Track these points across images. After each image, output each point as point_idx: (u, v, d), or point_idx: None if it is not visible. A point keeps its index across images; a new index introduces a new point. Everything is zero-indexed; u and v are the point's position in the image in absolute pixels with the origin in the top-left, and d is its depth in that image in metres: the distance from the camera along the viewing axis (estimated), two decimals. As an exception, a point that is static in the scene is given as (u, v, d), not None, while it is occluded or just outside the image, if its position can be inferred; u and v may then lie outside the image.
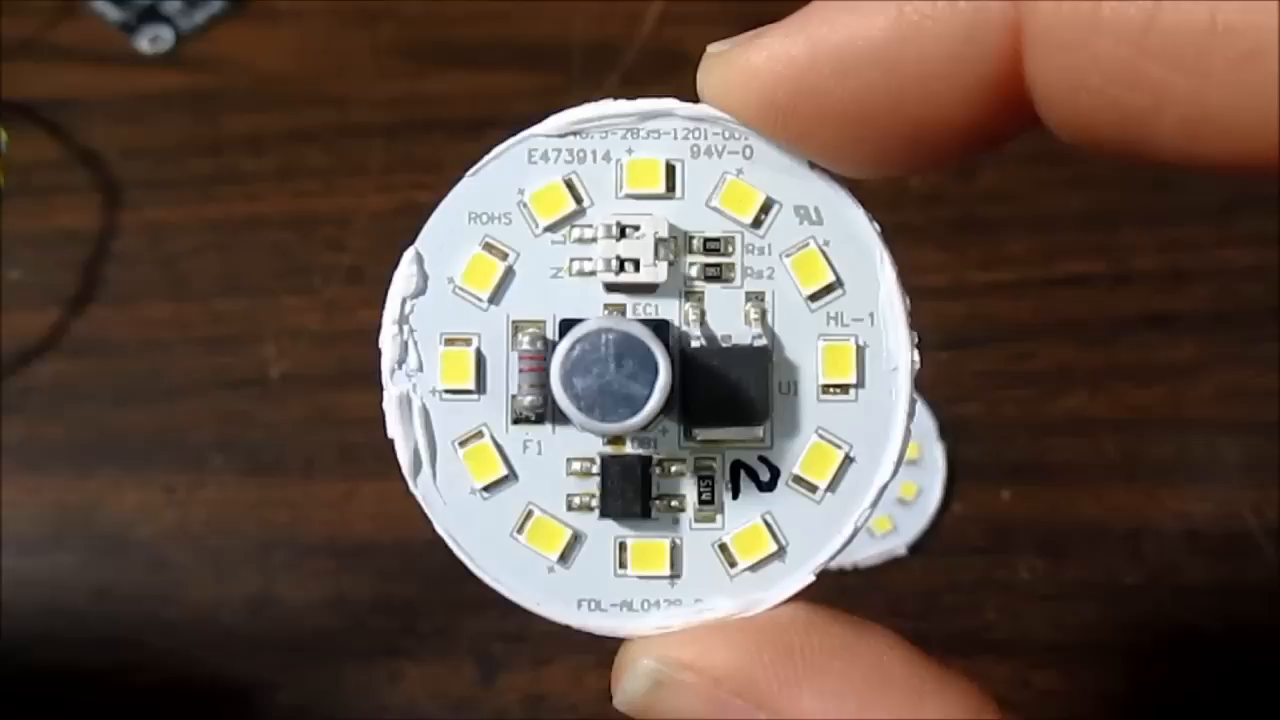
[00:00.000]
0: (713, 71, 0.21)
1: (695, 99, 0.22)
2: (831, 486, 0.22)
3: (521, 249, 0.22)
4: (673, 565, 0.22)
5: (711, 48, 0.21)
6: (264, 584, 0.48)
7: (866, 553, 0.47)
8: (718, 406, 0.22)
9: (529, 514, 0.22)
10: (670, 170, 0.22)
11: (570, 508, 0.22)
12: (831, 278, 0.22)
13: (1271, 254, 0.51)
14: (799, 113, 0.20)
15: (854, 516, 0.22)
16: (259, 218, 0.57)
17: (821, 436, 0.22)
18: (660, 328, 0.22)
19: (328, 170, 0.58)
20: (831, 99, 0.20)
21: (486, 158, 0.22)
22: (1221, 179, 0.18)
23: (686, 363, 0.22)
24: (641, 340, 0.20)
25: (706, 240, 0.22)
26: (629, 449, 0.22)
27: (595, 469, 0.22)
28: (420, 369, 0.22)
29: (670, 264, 0.22)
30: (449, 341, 0.22)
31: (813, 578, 0.22)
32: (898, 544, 0.47)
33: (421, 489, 0.22)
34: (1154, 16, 0.17)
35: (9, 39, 0.61)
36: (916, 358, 0.22)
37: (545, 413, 0.22)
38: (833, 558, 0.22)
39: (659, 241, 0.22)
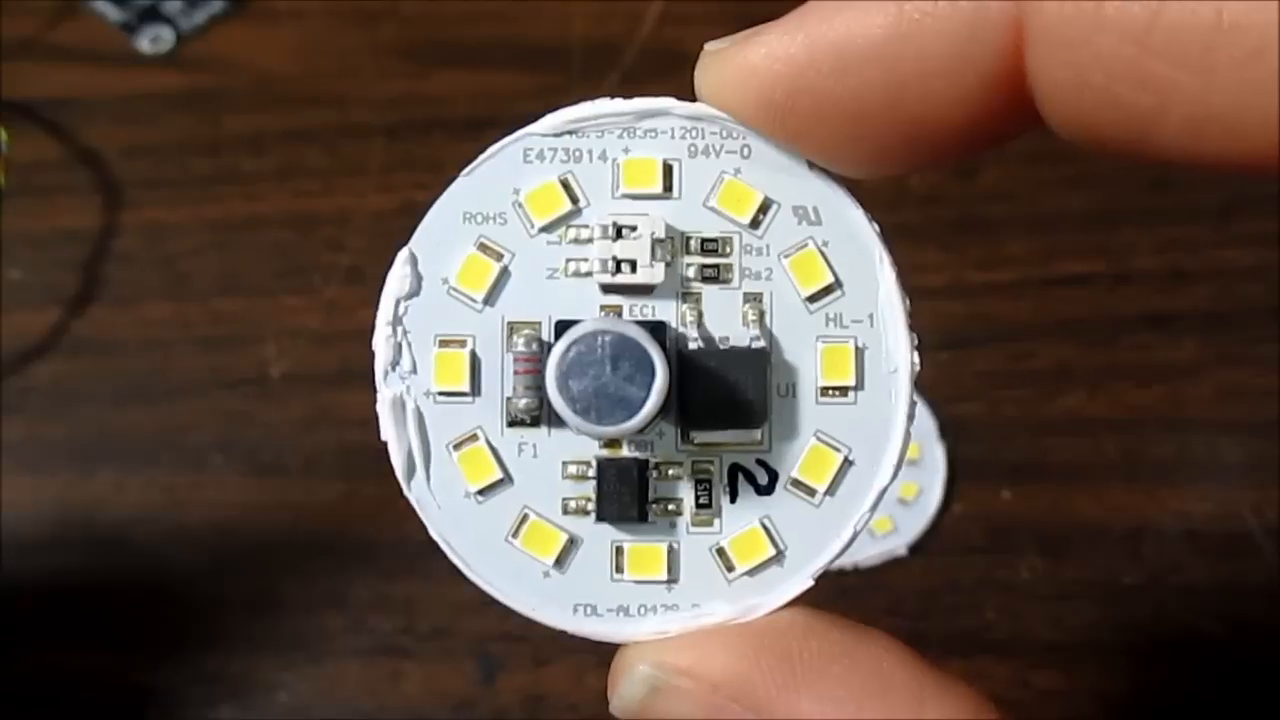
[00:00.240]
0: (710, 70, 0.21)
1: (694, 98, 0.22)
2: (830, 490, 0.22)
3: (517, 249, 0.22)
4: (670, 570, 0.22)
5: (709, 46, 0.21)
6: (264, 584, 0.48)
7: (867, 553, 0.47)
8: (715, 409, 0.21)
9: (524, 518, 0.22)
10: (667, 170, 0.22)
11: (566, 511, 0.22)
12: (830, 279, 0.22)
13: (1271, 254, 0.51)
14: (797, 111, 0.20)
15: (853, 520, 0.22)
16: (259, 218, 0.57)
17: (820, 439, 0.22)
18: (657, 329, 0.21)
19: (328, 170, 0.58)
20: (830, 97, 0.20)
21: (481, 157, 0.22)
22: (1221, 179, 0.18)
23: (684, 365, 0.22)
24: (638, 342, 0.20)
25: (704, 241, 0.22)
26: (625, 452, 0.22)
27: (591, 472, 0.22)
28: (414, 371, 0.22)
29: (667, 265, 0.22)
30: (443, 343, 0.22)
31: (811, 582, 0.22)
32: (898, 544, 0.47)
33: (416, 492, 0.22)
34: (1158, 13, 0.17)
35: (9, 39, 0.61)
36: (916, 359, 0.22)
37: (541, 415, 0.22)
38: (832, 562, 0.22)
39: (656, 242, 0.21)
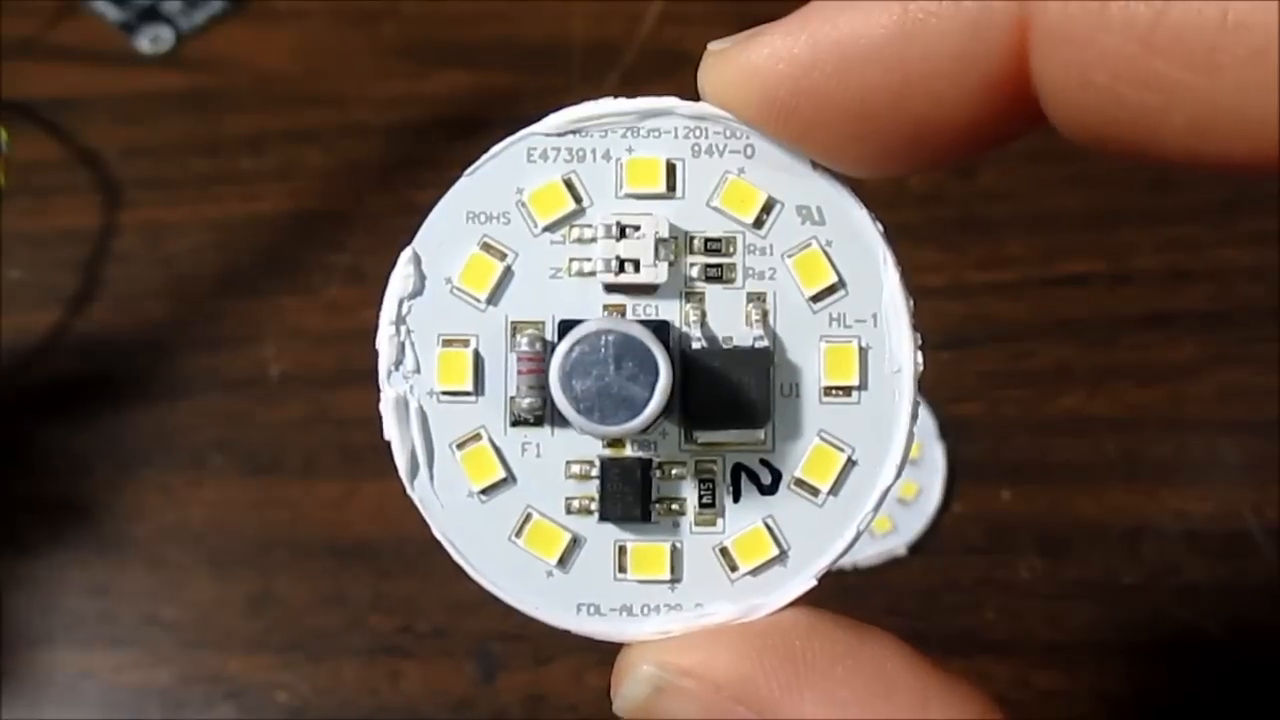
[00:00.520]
0: (713, 69, 0.21)
1: (696, 98, 0.22)
2: (834, 490, 0.22)
3: (520, 249, 0.22)
4: (673, 569, 0.22)
5: (712, 45, 0.21)
6: (264, 584, 0.48)
7: (867, 553, 0.47)
8: (718, 409, 0.21)
9: (528, 517, 0.22)
10: (671, 169, 0.22)
11: (569, 511, 0.22)
12: (834, 278, 0.22)
13: (1271, 254, 0.51)
14: (800, 111, 0.20)
15: (856, 520, 0.22)
16: (259, 218, 0.57)
17: (823, 439, 0.22)
18: (660, 329, 0.21)
19: (328, 170, 0.58)
20: (833, 97, 0.20)
21: (485, 157, 0.22)
22: (1222, 178, 0.18)
23: (687, 364, 0.22)
24: (641, 341, 0.20)
25: (707, 240, 0.22)
26: (629, 451, 0.22)
27: (595, 472, 0.22)
28: (417, 370, 0.22)
29: (670, 264, 0.22)
30: (446, 342, 0.22)
31: (814, 582, 0.22)
32: (898, 544, 0.47)
33: (419, 492, 0.22)
34: (1163, 12, 0.17)
35: (9, 39, 0.61)
36: (920, 359, 0.22)
37: (544, 415, 0.22)
38: (835, 562, 0.22)
39: (659, 242, 0.21)
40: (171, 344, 0.54)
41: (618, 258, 0.21)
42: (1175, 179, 0.53)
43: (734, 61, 0.20)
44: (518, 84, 0.60)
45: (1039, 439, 0.50)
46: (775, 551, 0.22)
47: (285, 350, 0.53)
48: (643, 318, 0.22)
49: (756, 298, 0.22)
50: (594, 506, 0.22)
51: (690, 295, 0.22)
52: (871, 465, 0.22)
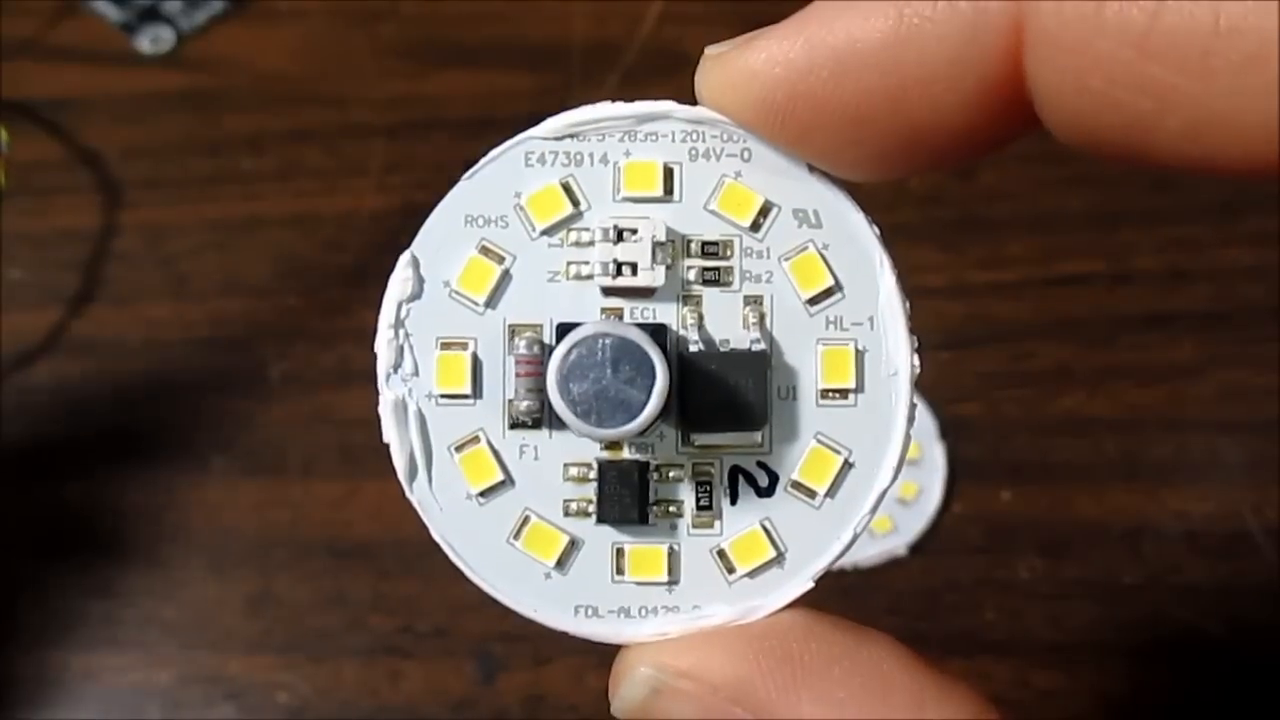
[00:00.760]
0: (710, 74, 0.21)
1: (695, 101, 0.22)
2: (831, 492, 0.22)
3: (518, 252, 0.22)
4: (670, 571, 0.22)
5: (709, 50, 0.21)
6: (264, 584, 0.48)
7: (866, 553, 0.47)
8: (716, 411, 0.21)
9: (526, 520, 0.22)
10: (668, 173, 0.22)
11: (567, 513, 0.22)
12: (831, 281, 0.22)
13: (1271, 254, 0.51)
14: (797, 115, 0.20)
15: (853, 522, 0.22)
16: (259, 218, 0.57)
17: (820, 442, 0.22)
18: (658, 332, 0.21)
19: (328, 170, 0.58)
20: (830, 101, 0.20)
21: (483, 160, 0.22)
22: (1221, 179, 0.18)
23: (684, 367, 0.22)
24: (639, 345, 0.20)
25: (704, 244, 0.22)
26: (626, 454, 0.22)
27: (592, 474, 0.22)
28: (416, 373, 0.22)
29: (668, 268, 0.22)
30: (445, 346, 0.22)
31: (812, 584, 0.22)
32: (898, 544, 0.47)
33: (418, 494, 0.22)
34: (1156, 17, 0.17)
35: (9, 39, 0.61)
36: (917, 362, 0.22)
37: (542, 418, 0.22)
38: (832, 564, 0.22)
39: (656, 245, 0.21)
40: (172, 344, 0.54)
41: (615, 261, 0.21)
42: (1175, 179, 0.53)
43: (731, 65, 0.20)
44: (518, 84, 0.60)
45: (1039, 439, 0.50)
46: (772, 553, 0.22)
47: (285, 350, 0.53)
48: (640, 321, 0.22)
49: (753, 301, 0.22)
50: (592, 509, 0.22)
51: (687, 298, 0.22)
52: (868, 467, 0.22)
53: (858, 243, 0.22)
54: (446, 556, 0.22)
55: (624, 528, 0.22)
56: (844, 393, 0.22)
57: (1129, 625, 0.46)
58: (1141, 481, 0.49)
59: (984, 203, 0.55)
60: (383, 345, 0.22)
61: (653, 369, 0.20)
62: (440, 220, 0.22)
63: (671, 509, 0.22)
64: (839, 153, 0.21)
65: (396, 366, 0.22)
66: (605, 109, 0.22)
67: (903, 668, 0.20)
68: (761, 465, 0.22)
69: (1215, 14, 0.16)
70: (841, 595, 0.46)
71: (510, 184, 0.22)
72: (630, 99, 0.22)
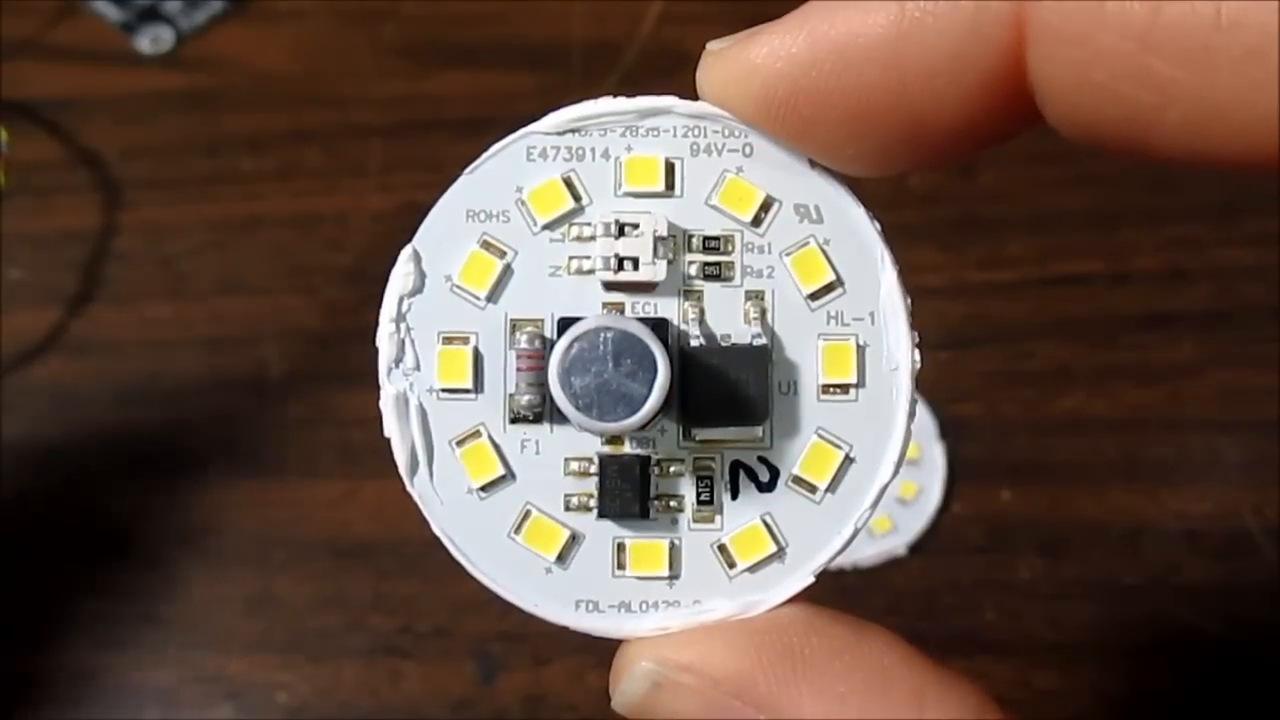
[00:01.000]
0: (712, 69, 0.21)
1: (695, 98, 0.22)
2: (831, 487, 0.22)
3: (520, 247, 0.22)
4: (671, 566, 0.22)
5: (711, 45, 0.21)
6: (264, 584, 0.48)
7: (866, 553, 0.47)
8: (717, 406, 0.21)
9: (527, 514, 0.22)
10: (669, 168, 0.22)
11: (568, 508, 0.22)
12: (832, 276, 0.22)
13: (1271, 254, 0.51)
14: (799, 110, 0.20)
15: (854, 517, 0.22)
16: (259, 218, 0.57)
17: (821, 437, 0.22)
18: (659, 326, 0.21)
19: (328, 170, 0.58)
20: (831, 96, 0.20)
21: (484, 155, 0.22)
22: (1222, 178, 0.18)
23: (685, 362, 0.22)
24: (640, 339, 0.20)
25: (706, 238, 0.22)
26: (627, 449, 0.22)
27: (593, 469, 0.22)
28: (417, 368, 0.22)
29: (669, 262, 0.22)
30: (446, 340, 0.22)
31: (812, 579, 0.22)
32: (898, 544, 0.47)
33: (418, 489, 0.22)
34: (1158, 11, 0.17)
35: (9, 39, 0.61)
36: (917, 357, 0.22)
37: (543, 412, 0.22)
38: (832, 559, 0.22)
39: (658, 240, 0.21)
40: (171, 344, 0.54)
41: (616, 255, 0.21)
42: (1175, 179, 0.53)
43: (733, 60, 0.20)
44: (518, 84, 0.60)
45: (1039, 439, 0.50)
46: (773, 548, 0.22)
47: (285, 350, 0.53)
48: (641, 315, 0.22)
49: (755, 296, 0.22)
50: (593, 503, 0.22)
51: (689, 293, 0.22)
52: (869, 463, 0.22)
53: (859, 238, 0.22)
54: (447, 554, 0.22)
55: (625, 522, 0.22)
56: (845, 388, 0.22)
57: (1129, 625, 0.46)
58: (1141, 481, 0.49)
59: (984, 202, 0.55)
60: (384, 339, 0.22)
61: (654, 363, 0.20)
62: (442, 215, 0.22)
63: (672, 503, 0.22)
64: (841, 147, 0.21)
65: (398, 361, 0.22)
66: (607, 104, 0.22)
67: (903, 662, 0.20)
68: (762, 460, 0.22)
69: (1217, 8, 0.16)
70: (841, 595, 0.46)
71: (512, 179, 0.22)
72: (632, 95, 0.22)
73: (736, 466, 0.22)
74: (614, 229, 0.21)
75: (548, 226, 0.22)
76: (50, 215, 0.57)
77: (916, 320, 0.22)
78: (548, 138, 0.22)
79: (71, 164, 0.58)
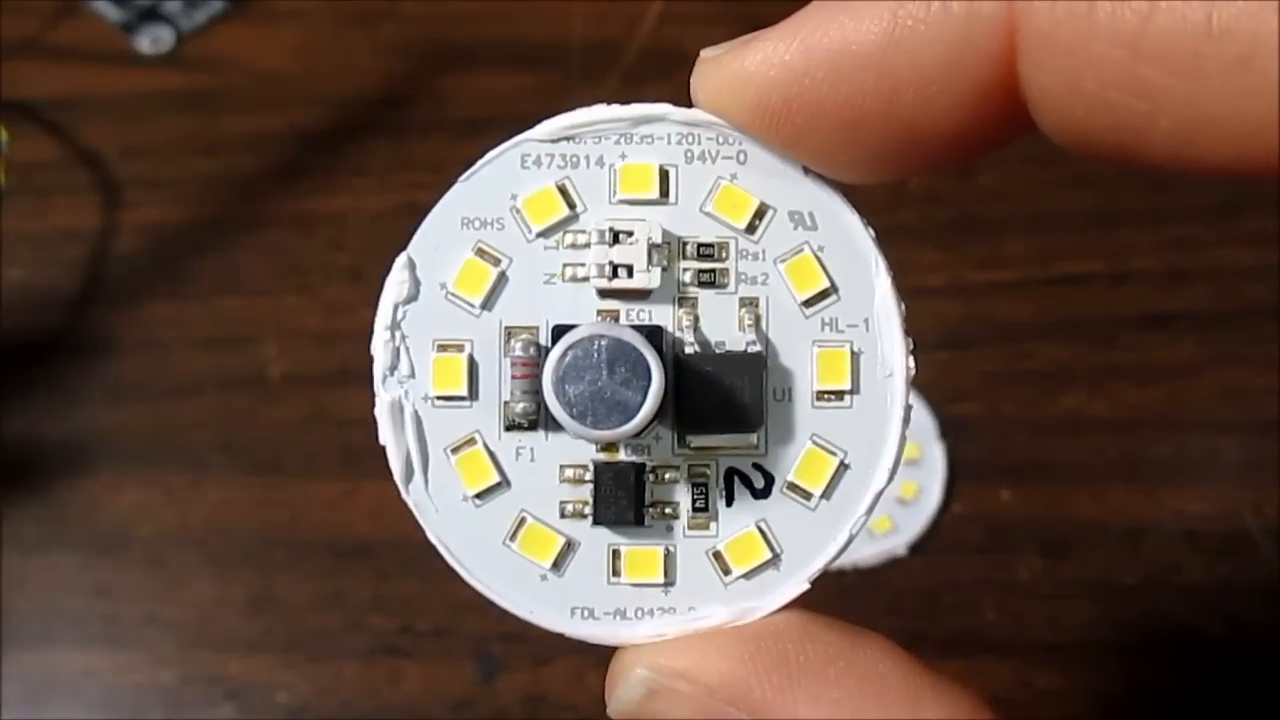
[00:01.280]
0: (706, 76, 0.21)
1: (691, 103, 0.22)
2: (826, 494, 0.22)
3: (514, 254, 0.22)
4: (666, 573, 0.22)
5: (705, 52, 0.21)
6: (264, 584, 0.48)
7: (866, 553, 0.47)
8: (712, 413, 0.21)
9: (522, 521, 0.22)
10: (664, 175, 0.22)
11: (563, 515, 0.22)
12: (826, 283, 0.22)
13: (1271, 254, 0.51)
14: (792, 117, 0.20)
15: (849, 524, 0.22)
16: (259, 218, 0.57)
17: (816, 443, 0.22)
18: (654, 334, 0.21)
19: (328, 170, 0.58)
20: (825, 103, 0.20)
21: (479, 163, 0.22)
22: (1221, 178, 0.18)
23: (680, 369, 0.22)
24: (634, 346, 0.20)
25: (700, 246, 0.22)
26: (622, 456, 0.22)
27: (588, 476, 0.22)
28: (412, 375, 0.22)
29: (664, 270, 0.22)
30: (441, 347, 0.22)
31: (807, 585, 0.22)
32: (898, 544, 0.47)
33: (414, 496, 0.22)
34: (1148, 19, 0.17)
35: (9, 39, 0.61)
36: (912, 364, 0.22)
37: (538, 419, 0.22)
38: (828, 566, 0.22)
39: (652, 247, 0.21)
40: (171, 344, 0.54)
41: (611, 263, 0.21)
42: (1174, 179, 0.53)
43: (727, 68, 0.20)
44: (518, 84, 0.60)
45: (1039, 439, 0.50)
46: (768, 555, 0.22)
47: (285, 350, 0.53)
48: (636, 323, 0.22)
49: (749, 303, 0.22)
50: (588, 510, 0.22)
51: (683, 300, 0.22)
52: (864, 469, 0.22)
53: (853, 245, 0.22)
54: (443, 558, 0.22)
55: (620, 529, 0.22)
56: (839, 394, 0.22)
57: (1129, 625, 0.46)
58: (1141, 481, 0.49)
59: (983, 203, 0.55)
60: (379, 347, 0.22)
61: (648, 370, 0.20)
62: (436, 222, 0.22)
63: (667, 510, 0.22)
64: (834, 155, 0.21)
65: (393, 368, 0.22)
66: (601, 111, 0.22)
67: (898, 668, 0.20)
68: (757, 467, 0.22)
69: (1207, 16, 0.16)
70: (841, 595, 0.46)
71: (506, 186, 0.22)
72: (626, 101, 0.22)
73: (731, 473, 0.22)
74: (608, 236, 0.21)
75: (542, 234, 0.22)
76: (50, 215, 0.57)
77: (915, 320, 0.22)
78: (542, 145, 0.22)
79: (71, 164, 0.58)
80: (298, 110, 0.60)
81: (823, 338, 0.22)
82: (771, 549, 0.22)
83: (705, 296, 0.22)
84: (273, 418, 0.52)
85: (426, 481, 0.22)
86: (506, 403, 0.22)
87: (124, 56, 0.62)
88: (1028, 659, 0.46)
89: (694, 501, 0.22)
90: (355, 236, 0.56)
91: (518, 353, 0.21)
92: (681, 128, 0.22)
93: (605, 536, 0.22)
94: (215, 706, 0.46)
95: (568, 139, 0.22)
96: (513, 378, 0.21)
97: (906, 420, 0.22)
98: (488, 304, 0.22)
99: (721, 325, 0.22)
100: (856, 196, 0.22)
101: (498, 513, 0.22)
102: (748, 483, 0.22)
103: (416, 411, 0.22)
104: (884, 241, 0.22)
